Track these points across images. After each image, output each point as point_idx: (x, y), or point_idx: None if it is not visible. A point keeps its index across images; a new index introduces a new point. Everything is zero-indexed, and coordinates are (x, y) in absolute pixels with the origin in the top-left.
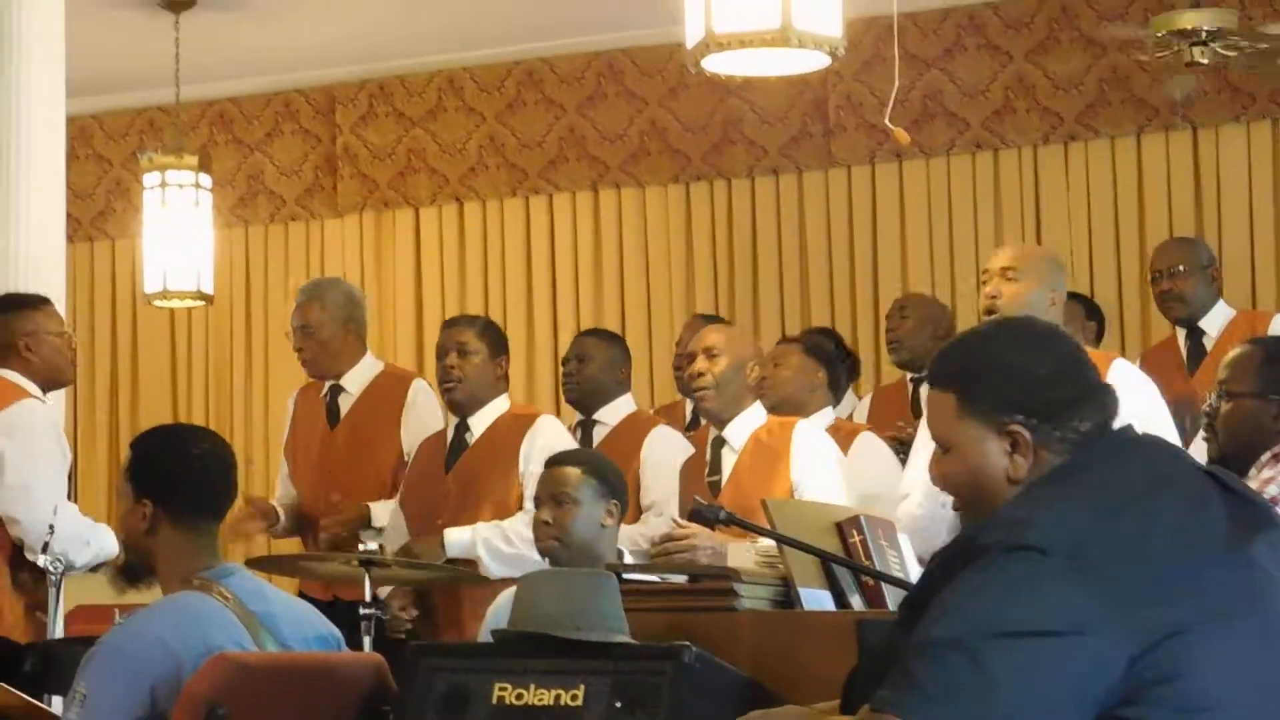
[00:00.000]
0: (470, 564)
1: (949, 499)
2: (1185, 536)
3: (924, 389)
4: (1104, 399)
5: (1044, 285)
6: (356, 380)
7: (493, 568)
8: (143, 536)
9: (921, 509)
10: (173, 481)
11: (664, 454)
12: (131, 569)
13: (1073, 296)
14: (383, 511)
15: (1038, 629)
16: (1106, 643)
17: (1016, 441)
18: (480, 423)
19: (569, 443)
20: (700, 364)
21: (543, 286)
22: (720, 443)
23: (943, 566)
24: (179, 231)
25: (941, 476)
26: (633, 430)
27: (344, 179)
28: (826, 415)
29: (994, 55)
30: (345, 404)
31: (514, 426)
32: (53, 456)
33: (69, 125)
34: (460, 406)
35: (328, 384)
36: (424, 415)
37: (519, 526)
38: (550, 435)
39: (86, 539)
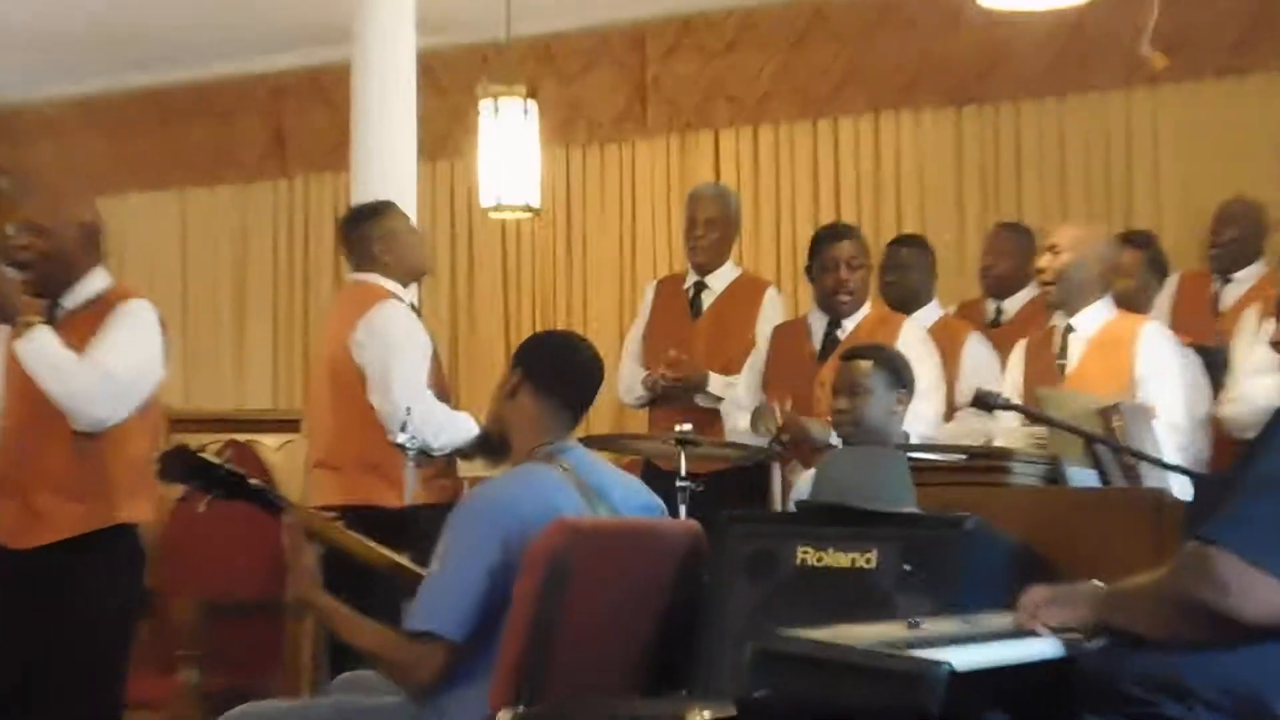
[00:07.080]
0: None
1: None
2: None
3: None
4: None
5: None
6: (721, 279)
7: None
8: (504, 401)
9: None
10: (549, 362)
11: (981, 361)
12: (489, 443)
13: None
14: (718, 383)
15: None
16: None
17: None
18: (850, 322)
19: (928, 343)
20: (1043, 259)
21: (828, 202)
22: (1069, 329)
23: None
24: (510, 151)
25: None
26: (947, 335)
27: (652, 105)
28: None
29: None
30: (707, 300)
31: (881, 330)
32: (410, 350)
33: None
34: (846, 316)
35: (691, 280)
36: (773, 319)
37: None
38: (910, 337)
39: (441, 426)
